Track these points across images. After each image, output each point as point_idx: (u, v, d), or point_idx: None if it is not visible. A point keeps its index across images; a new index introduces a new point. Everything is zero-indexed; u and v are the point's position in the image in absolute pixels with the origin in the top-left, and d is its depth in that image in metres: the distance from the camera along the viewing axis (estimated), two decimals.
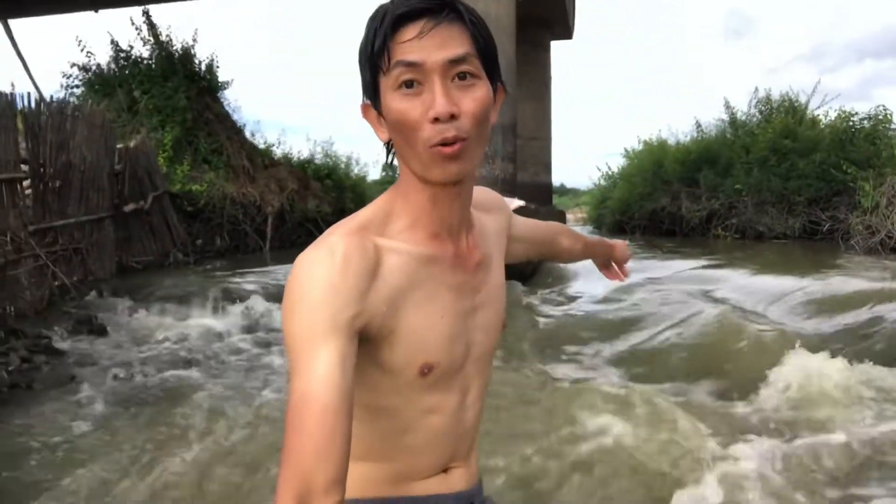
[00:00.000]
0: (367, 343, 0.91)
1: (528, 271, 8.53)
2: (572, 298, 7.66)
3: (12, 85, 13.81)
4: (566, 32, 17.25)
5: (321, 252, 0.88)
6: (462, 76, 0.89)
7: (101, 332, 5.73)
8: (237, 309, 6.65)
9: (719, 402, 4.07)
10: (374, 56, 0.89)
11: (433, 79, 0.88)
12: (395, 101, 0.90)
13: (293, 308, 0.86)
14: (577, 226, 22.54)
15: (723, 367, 4.53)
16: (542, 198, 14.44)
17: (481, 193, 1.17)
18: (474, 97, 0.90)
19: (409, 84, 0.88)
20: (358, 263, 0.88)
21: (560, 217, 14.34)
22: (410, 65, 0.87)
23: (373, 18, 0.91)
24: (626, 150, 20.38)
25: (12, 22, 14.36)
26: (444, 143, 0.89)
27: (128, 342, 5.57)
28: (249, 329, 6.25)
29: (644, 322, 5.94)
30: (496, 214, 1.19)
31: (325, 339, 0.83)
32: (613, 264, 1.67)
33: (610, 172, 21.37)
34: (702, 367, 4.56)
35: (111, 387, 4.50)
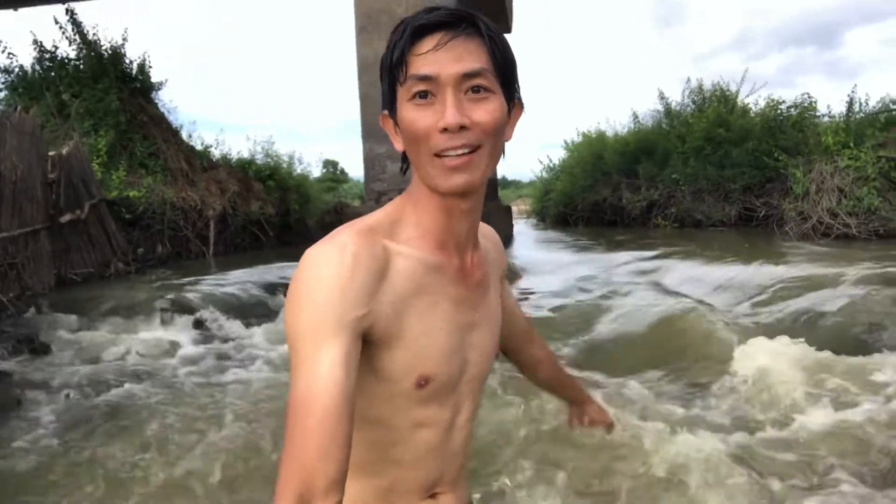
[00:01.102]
0: (367, 347, 0.90)
1: None
2: (525, 293, 7.75)
3: None
4: (505, 27, 17.36)
5: (330, 249, 0.88)
6: (476, 90, 0.91)
7: (44, 350, 5.49)
8: (186, 320, 6.47)
9: (677, 391, 4.19)
10: (392, 67, 0.92)
11: (446, 91, 0.89)
12: (408, 111, 0.92)
13: (299, 305, 0.85)
14: (520, 219, 22.80)
15: (678, 356, 4.67)
16: (488, 192, 14.52)
17: (487, 229, 1.20)
18: (486, 109, 0.92)
19: (422, 95, 0.90)
20: (367, 263, 0.88)
21: (506, 212, 14.52)
22: (424, 78, 0.89)
23: (394, 31, 0.93)
24: (566, 143, 20.71)
25: None
26: (451, 154, 0.90)
27: (74, 360, 5.35)
28: (200, 341, 6.10)
29: (598, 316, 6.07)
30: (496, 255, 1.22)
31: (331, 338, 0.83)
32: (587, 417, 1.58)
33: (551, 165, 21.69)
34: (658, 357, 4.68)
35: (62, 408, 4.32)
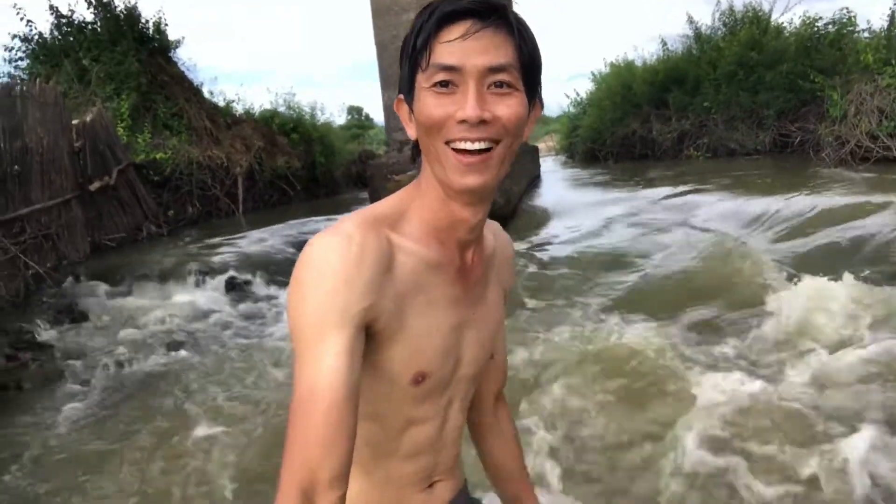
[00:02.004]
0: (367, 341, 0.88)
1: (507, 213, 8.49)
2: (556, 239, 7.66)
3: None
4: None
5: (337, 239, 0.86)
6: (499, 85, 0.87)
7: (83, 318, 5.63)
8: (219, 281, 6.56)
9: (716, 330, 4.13)
10: (416, 52, 0.88)
11: (469, 82, 0.86)
12: (427, 98, 0.88)
13: (304, 295, 0.83)
14: (548, 156, 22.45)
15: (715, 295, 4.59)
16: None
17: (504, 238, 1.18)
18: (508, 105, 0.88)
19: (444, 84, 0.86)
20: (374, 255, 0.86)
21: (533, 153, 14.23)
22: (448, 68, 0.85)
23: (420, 14, 0.89)
24: (593, 74, 20.13)
25: None
26: (467, 146, 0.87)
27: (112, 328, 5.48)
28: (235, 301, 6.19)
29: (631, 256, 5.99)
30: (505, 263, 1.18)
31: (335, 331, 0.82)
32: None
33: (579, 98, 21.15)
34: (695, 297, 4.61)
35: (102, 378, 4.45)
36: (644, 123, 16.30)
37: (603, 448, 2.98)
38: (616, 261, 6.03)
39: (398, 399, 0.99)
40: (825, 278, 4.38)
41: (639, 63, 18.14)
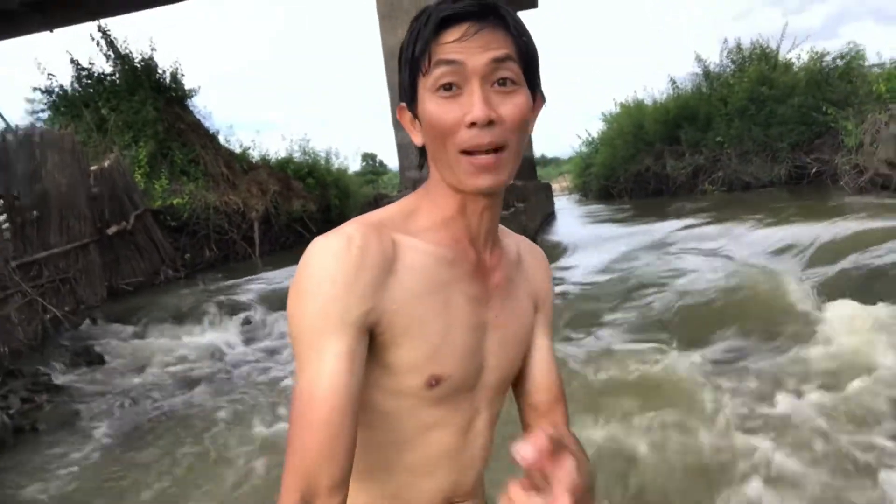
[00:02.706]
0: (376, 343, 0.87)
1: (530, 235, 8.43)
2: (575, 271, 7.57)
3: None
4: (530, 2, 17.03)
5: (337, 241, 0.84)
6: (502, 82, 0.86)
7: (99, 361, 5.58)
8: (235, 321, 6.51)
9: (753, 358, 4.01)
10: (415, 57, 0.87)
11: (473, 82, 0.85)
12: (432, 104, 0.86)
13: (303, 298, 0.82)
14: (562, 195, 22.50)
15: (749, 324, 4.46)
16: (526, 173, 14.28)
17: (537, 250, 1.15)
18: (514, 103, 0.87)
19: (447, 87, 0.85)
20: (374, 257, 0.84)
21: (546, 190, 14.30)
22: (451, 63, 0.84)
23: (415, 20, 0.89)
24: (604, 115, 20.30)
25: None
26: (479, 151, 0.86)
27: (129, 369, 5.42)
28: (251, 340, 6.12)
29: (654, 287, 5.87)
30: (540, 274, 1.13)
31: (335, 335, 0.80)
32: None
33: (590, 138, 21.29)
34: (724, 327, 4.48)
35: (118, 419, 4.36)
36: (657, 160, 16.32)
37: (638, 482, 2.85)
38: (637, 291, 5.92)
39: (413, 402, 0.93)
40: (856, 303, 4.26)
41: (649, 102, 18.32)
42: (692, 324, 4.66)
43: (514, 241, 1.09)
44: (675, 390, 3.61)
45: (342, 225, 0.88)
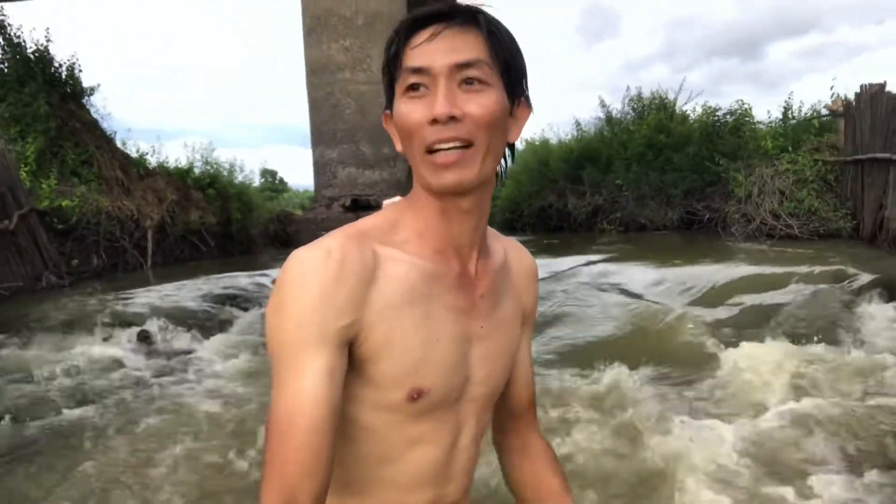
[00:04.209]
0: (356, 356, 0.86)
1: None
2: None
3: None
4: None
5: (316, 253, 0.83)
6: (470, 81, 0.86)
7: None
8: (129, 333, 6.11)
9: (656, 391, 4.16)
10: (390, 63, 0.89)
11: (439, 82, 0.85)
12: (401, 106, 0.88)
13: (281, 312, 0.81)
14: None
15: (650, 358, 4.63)
16: None
17: (528, 258, 1.15)
18: (480, 102, 0.86)
19: (414, 87, 0.86)
20: (353, 270, 0.84)
21: None
22: (417, 70, 0.85)
23: (394, 30, 0.90)
24: None
25: None
26: (440, 149, 0.85)
27: (5, 382, 4.95)
28: (147, 354, 5.76)
29: (557, 320, 6.00)
30: (526, 282, 1.13)
31: (314, 350, 0.80)
32: None
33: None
34: (625, 357, 4.64)
35: None
36: (560, 197, 16.88)
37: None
38: (547, 323, 6.04)
39: (395, 416, 0.92)
40: (747, 341, 4.56)
41: (554, 141, 19.00)
42: (591, 355, 4.78)
43: (502, 246, 1.07)
44: (570, 420, 3.68)
45: (323, 237, 0.87)
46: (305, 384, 0.78)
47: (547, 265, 9.52)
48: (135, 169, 13.63)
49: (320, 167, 8.68)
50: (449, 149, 0.85)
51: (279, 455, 0.76)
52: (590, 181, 16.04)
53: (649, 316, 5.39)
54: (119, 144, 14.21)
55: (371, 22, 8.23)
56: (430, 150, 0.86)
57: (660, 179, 14.43)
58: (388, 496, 0.96)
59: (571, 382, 4.26)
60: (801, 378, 3.89)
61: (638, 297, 6.49)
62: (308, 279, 0.81)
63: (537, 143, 19.37)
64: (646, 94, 16.73)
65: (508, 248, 1.09)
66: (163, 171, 14.61)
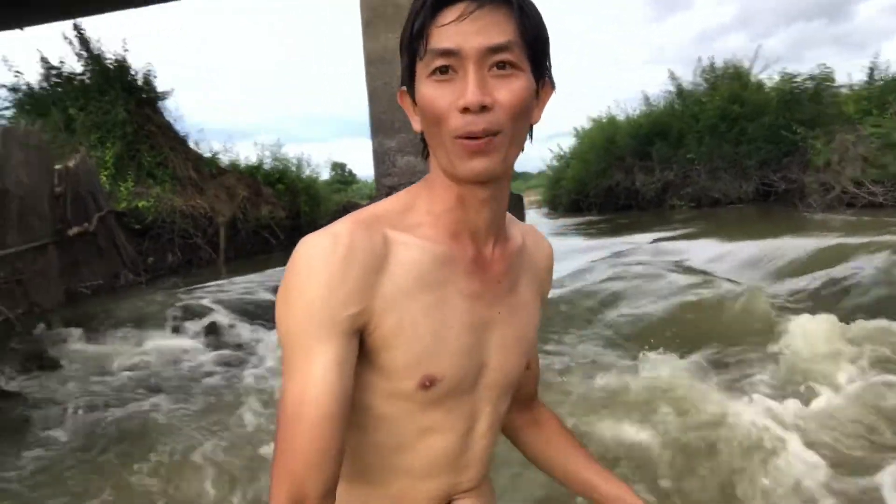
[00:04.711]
0: (367, 344, 0.85)
1: None
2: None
3: None
4: None
5: (323, 240, 0.81)
6: (501, 66, 0.82)
7: (53, 366, 5.37)
8: (198, 327, 6.34)
9: (721, 371, 4.00)
10: (412, 40, 0.84)
11: (468, 66, 0.81)
12: (427, 88, 0.83)
13: (289, 301, 0.80)
14: (531, 209, 22.58)
15: (717, 335, 4.46)
16: None
17: (544, 242, 1.10)
18: (511, 88, 0.82)
19: (443, 70, 0.82)
20: (362, 256, 0.81)
21: (517, 201, 14.28)
22: (445, 53, 0.81)
23: (415, 1, 0.85)
24: (576, 130, 20.47)
25: None
26: (471, 137, 0.81)
27: (84, 375, 5.22)
28: (214, 347, 5.96)
29: (621, 298, 5.85)
30: (542, 265, 1.08)
31: (322, 339, 0.79)
32: None
33: (562, 152, 21.43)
34: (694, 338, 4.48)
35: (72, 426, 4.18)
36: (627, 175, 16.49)
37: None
38: (604, 302, 5.90)
39: (407, 405, 0.89)
40: (824, 317, 4.30)
41: (622, 118, 18.53)
42: (654, 334, 4.65)
43: (520, 232, 1.03)
44: (637, 401, 3.58)
45: (333, 223, 0.85)
46: (313, 375, 0.77)
47: (608, 244, 9.32)
48: (207, 168, 14.13)
49: (379, 157, 8.73)
50: (478, 138, 0.82)
51: (288, 446, 0.77)
52: (659, 157, 15.58)
53: (713, 293, 5.17)
54: (192, 145, 14.79)
55: None
56: (460, 137, 0.82)
57: (734, 151, 13.88)
58: (402, 484, 0.95)
59: (628, 362, 4.14)
60: (879, 356, 3.64)
61: (704, 273, 6.24)
62: (315, 267, 0.79)
63: (604, 120, 18.98)
64: (719, 64, 16.10)
65: (526, 234, 1.05)
66: (234, 169, 15.12)
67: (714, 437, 3.08)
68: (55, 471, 3.57)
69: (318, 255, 0.80)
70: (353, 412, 0.86)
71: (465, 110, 0.80)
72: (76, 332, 6.16)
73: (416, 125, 0.89)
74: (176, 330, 6.28)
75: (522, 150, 0.90)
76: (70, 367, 5.43)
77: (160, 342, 6.02)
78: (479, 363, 0.93)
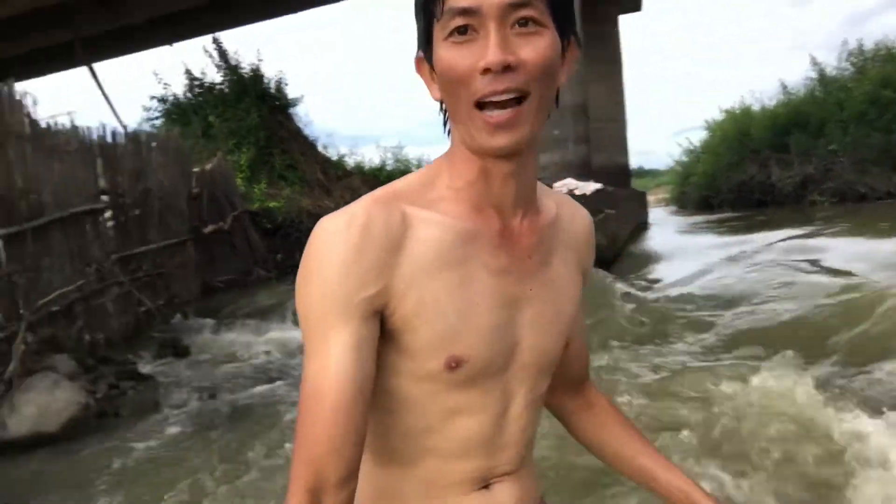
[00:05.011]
0: (388, 324, 0.82)
1: (611, 256, 8.14)
2: (665, 281, 7.21)
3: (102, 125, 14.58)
4: (634, 4, 16.58)
5: (338, 221, 0.78)
6: (523, 22, 0.76)
7: (184, 353, 5.80)
8: None
9: (850, 378, 3.65)
10: (428, 1, 0.79)
11: (488, 25, 0.75)
12: (445, 51, 0.78)
13: (305, 283, 0.79)
14: (658, 207, 21.73)
15: (852, 343, 4.07)
16: (619, 180, 13.84)
17: (581, 211, 1.02)
18: (536, 46, 0.77)
19: (461, 30, 0.76)
20: (378, 235, 0.78)
21: (640, 198, 13.83)
22: (464, 11, 0.75)
23: None
24: (707, 123, 19.48)
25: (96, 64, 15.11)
26: (495, 104, 0.76)
27: (212, 362, 5.60)
28: None
29: (749, 299, 5.47)
30: (581, 237, 1.00)
31: (339, 323, 0.76)
32: None
33: (692, 147, 20.45)
34: (823, 341, 4.12)
35: (196, 409, 4.50)
36: (762, 169, 15.44)
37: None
38: (730, 302, 5.54)
39: (433, 386, 0.86)
40: None
41: (756, 108, 17.41)
42: (784, 339, 4.29)
43: (553, 202, 0.96)
44: (766, 408, 3.32)
45: (353, 202, 0.82)
46: (331, 359, 0.76)
47: (739, 241, 8.77)
48: (334, 171, 14.79)
49: None
50: (503, 102, 0.76)
51: (307, 432, 0.76)
52: (797, 149, 14.49)
53: (853, 295, 4.70)
54: (320, 149, 15.54)
55: None
56: (481, 105, 0.77)
57: (885, 140, 12.64)
58: (433, 465, 0.91)
59: (749, 366, 3.86)
60: None
61: (843, 273, 5.71)
62: (330, 248, 0.77)
63: (737, 111, 17.93)
64: (868, 46, 14.77)
65: (561, 204, 0.98)
66: (359, 171, 15.75)
67: (838, 458, 2.80)
68: (178, 447, 3.86)
69: (333, 237, 0.77)
70: (380, 394, 0.84)
71: (487, 71, 0.75)
72: (208, 322, 6.63)
73: (435, 93, 0.84)
74: (297, 322, 6.59)
75: (549, 116, 0.83)
76: (200, 355, 5.84)
77: (282, 334, 6.35)
78: (510, 342, 0.88)
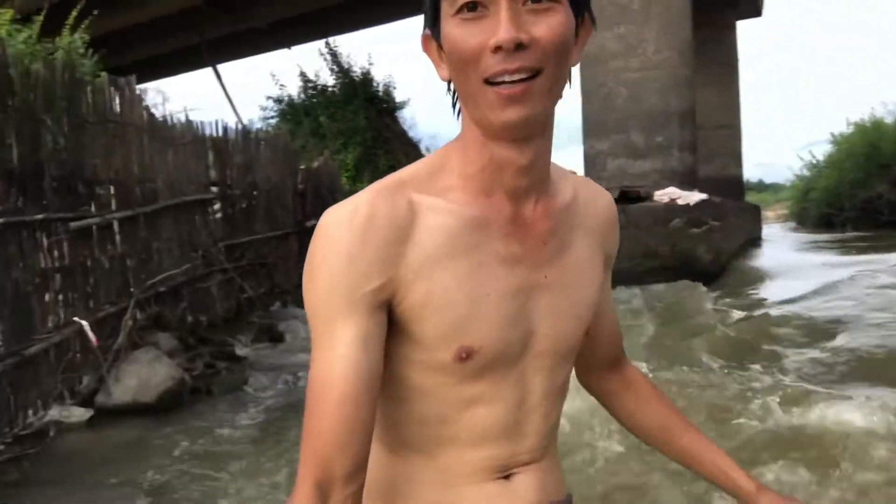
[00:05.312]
0: (396, 315, 0.80)
1: (715, 270, 7.76)
2: (770, 299, 6.78)
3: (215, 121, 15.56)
4: (754, 9, 15.81)
5: (343, 212, 0.77)
6: None
7: (279, 339, 6.03)
8: None
9: None
10: None
11: (499, 1, 0.72)
12: (454, 28, 0.75)
13: (311, 276, 0.78)
14: (776, 223, 20.58)
15: None
16: (731, 192, 13.18)
17: (604, 196, 0.98)
18: (549, 24, 0.73)
19: (471, 7, 0.73)
20: (382, 226, 0.76)
21: (753, 212, 13.12)
22: None
23: None
24: (832, 136, 18.25)
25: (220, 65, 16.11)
26: (504, 81, 0.73)
27: (302, 349, 5.79)
28: None
29: (866, 324, 5.06)
30: (603, 221, 0.97)
31: (345, 316, 0.75)
32: None
33: (814, 161, 19.23)
34: None
35: (282, 392, 4.68)
36: (893, 186, 14.29)
37: None
38: (844, 327, 5.14)
39: (446, 377, 0.83)
40: None
41: (889, 120, 16.15)
42: (877, 371, 3.93)
43: (571, 185, 0.92)
44: (864, 446, 3.04)
45: (359, 192, 0.81)
46: (337, 353, 0.75)
47: (862, 262, 8.14)
48: None
49: (590, 159, 8.53)
50: (514, 81, 0.73)
51: (313, 427, 0.75)
52: None
53: None
54: (423, 150, 15.82)
55: (647, 4, 7.86)
56: (491, 83, 0.75)
57: None
58: (450, 455, 0.89)
59: (845, 397, 3.57)
60: None
61: None
62: (334, 240, 0.76)
63: (868, 124, 16.69)
64: None
65: (579, 187, 0.94)
66: None
67: None
68: (262, 426, 4.02)
69: (337, 229, 0.76)
70: (393, 384, 0.83)
71: (498, 49, 0.72)
72: (304, 311, 6.87)
73: (443, 73, 0.81)
74: None
75: (562, 97, 0.79)
76: (293, 342, 6.08)
77: None
78: (524, 331, 0.85)
